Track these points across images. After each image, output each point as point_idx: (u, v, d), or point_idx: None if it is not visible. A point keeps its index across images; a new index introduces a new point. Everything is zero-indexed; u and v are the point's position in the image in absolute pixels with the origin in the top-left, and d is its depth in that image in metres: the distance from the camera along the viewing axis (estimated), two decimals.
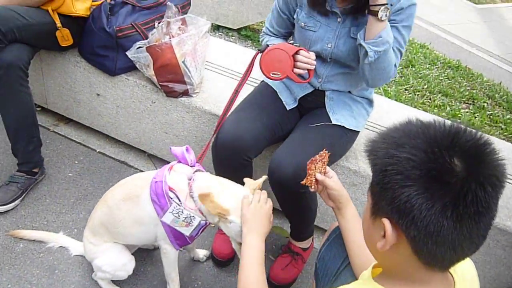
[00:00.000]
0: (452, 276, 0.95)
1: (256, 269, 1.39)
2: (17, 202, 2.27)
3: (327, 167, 1.45)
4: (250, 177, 2.14)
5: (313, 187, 1.43)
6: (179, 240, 1.67)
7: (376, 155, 0.87)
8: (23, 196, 2.32)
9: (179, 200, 1.59)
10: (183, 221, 1.59)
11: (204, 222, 1.64)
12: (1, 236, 2.13)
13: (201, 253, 2.21)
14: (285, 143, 1.94)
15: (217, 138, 1.96)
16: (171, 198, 1.58)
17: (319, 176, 1.41)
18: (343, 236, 1.45)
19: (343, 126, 1.99)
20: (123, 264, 1.85)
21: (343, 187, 1.47)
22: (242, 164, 1.98)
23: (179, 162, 1.74)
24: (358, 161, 2.21)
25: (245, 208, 1.51)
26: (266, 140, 2.01)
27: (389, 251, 0.86)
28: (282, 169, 1.79)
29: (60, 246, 2.12)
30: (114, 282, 1.96)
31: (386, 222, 0.83)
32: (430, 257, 0.82)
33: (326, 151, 1.46)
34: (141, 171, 2.69)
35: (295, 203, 1.94)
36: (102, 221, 1.80)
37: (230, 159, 1.94)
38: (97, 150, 2.78)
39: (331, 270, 1.53)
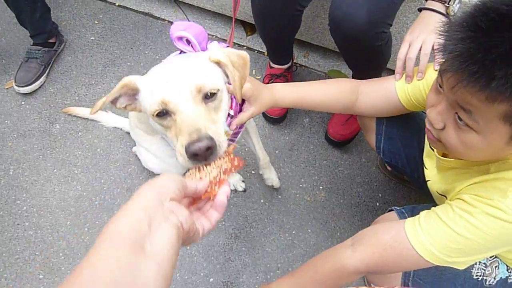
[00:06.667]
0: None
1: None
2: (42, 79, 2.07)
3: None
4: (295, 33, 1.71)
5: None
6: None
7: None
8: (47, 72, 2.10)
9: None
10: None
11: None
12: (36, 119, 1.99)
13: None
14: None
15: None
16: None
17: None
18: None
19: None
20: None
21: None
22: (292, 16, 1.54)
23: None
24: None
25: None
26: None
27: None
28: (352, 18, 1.29)
29: (114, 127, 1.93)
30: None
31: None
32: None
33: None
34: (170, 22, 2.31)
35: (366, 58, 1.50)
36: None
37: (279, 11, 1.49)
38: (117, 4, 2.39)
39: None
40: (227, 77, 0.95)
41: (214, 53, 0.92)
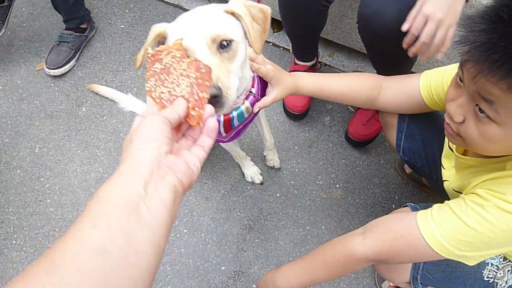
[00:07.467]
0: None
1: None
2: (72, 63, 2.13)
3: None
4: (321, 30, 1.72)
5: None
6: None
7: None
8: (77, 56, 2.16)
9: None
10: None
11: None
12: (64, 101, 2.05)
13: None
14: None
15: None
16: None
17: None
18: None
19: None
20: None
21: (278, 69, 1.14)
22: (317, 12, 1.54)
23: None
24: None
25: None
26: None
27: None
28: (382, 16, 1.28)
29: (130, 111, 1.98)
30: None
31: None
32: None
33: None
34: None
35: (393, 57, 1.49)
36: None
37: (304, 6, 1.51)
38: None
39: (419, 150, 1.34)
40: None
41: (230, 5, 0.94)
